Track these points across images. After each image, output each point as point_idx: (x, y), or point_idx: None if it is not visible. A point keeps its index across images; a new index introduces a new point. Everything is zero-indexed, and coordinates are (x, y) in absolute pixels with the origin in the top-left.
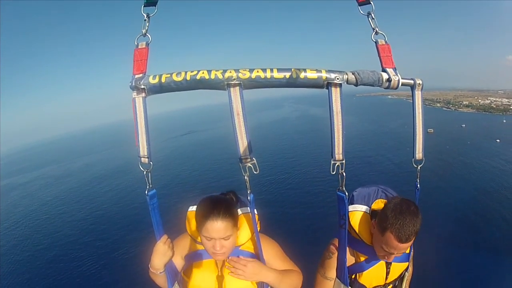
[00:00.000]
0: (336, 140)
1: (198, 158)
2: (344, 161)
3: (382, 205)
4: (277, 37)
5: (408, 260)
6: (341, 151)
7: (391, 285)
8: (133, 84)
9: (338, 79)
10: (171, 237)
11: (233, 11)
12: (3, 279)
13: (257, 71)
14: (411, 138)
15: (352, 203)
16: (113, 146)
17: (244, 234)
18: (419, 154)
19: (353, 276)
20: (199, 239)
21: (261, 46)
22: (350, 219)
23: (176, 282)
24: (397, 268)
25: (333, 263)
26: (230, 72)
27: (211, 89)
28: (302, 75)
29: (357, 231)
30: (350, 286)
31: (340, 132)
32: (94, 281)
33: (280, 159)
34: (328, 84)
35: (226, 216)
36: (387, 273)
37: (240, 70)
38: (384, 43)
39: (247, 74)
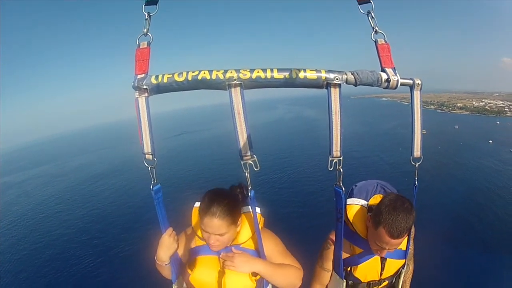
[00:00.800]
0: (334, 138)
1: (194, 158)
2: (341, 158)
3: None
4: (277, 37)
5: (404, 258)
6: (338, 149)
7: (386, 282)
8: (136, 84)
9: (337, 79)
10: (176, 231)
11: (233, 11)
12: (2, 277)
13: (258, 72)
14: (405, 139)
15: (351, 197)
16: (111, 145)
17: (246, 231)
18: (417, 153)
19: (348, 269)
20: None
21: (261, 46)
22: (347, 213)
23: (180, 274)
24: (393, 265)
25: (330, 254)
26: (231, 72)
27: (212, 89)
28: (302, 75)
29: (353, 224)
30: (345, 278)
31: (338, 130)
32: (92, 278)
33: (274, 159)
34: (328, 84)
35: (223, 215)
36: (382, 269)
37: (240, 71)
38: (383, 42)
39: (248, 75)
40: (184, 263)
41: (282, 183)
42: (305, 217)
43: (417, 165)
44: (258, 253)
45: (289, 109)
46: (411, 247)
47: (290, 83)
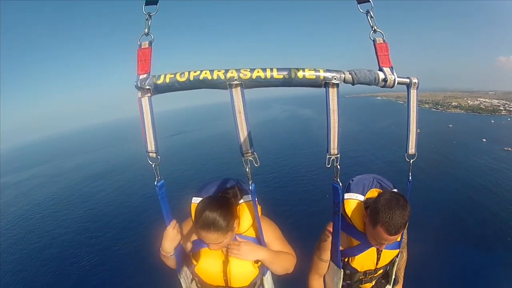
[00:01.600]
0: (332, 136)
1: (191, 158)
2: (339, 155)
3: (376, 194)
4: (276, 37)
5: (398, 248)
6: (336, 146)
7: (382, 270)
8: (139, 84)
9: (335, 78)
10: (179, 223)
11: (233, 11)
12: (2, 277)
13: (258, 71)
14: (399, 137)
15: (348, 191)
16: (110, 145)
17: (246, 221)
18: (412, 150)
19: (345, 259)
20: None
21: (260, 46)
22: (345, 206)
23: (185, 264)
24: (388, 255)
25: (328, 246)
26: (232, 72)
27: (213, 89)
28: (301, 74)
29: (351, 218)
30: (342, 268)
31: (336, 129)
32: (91, 276)
33: (270, 159)
34: (326, 84)
35: (218, 228)
36: (378, 259)
37: (241, 71)
38: (382, 41)
39: (248, 75)
40: (188, 254)
41: (277, 182)
42: (298, 215)
43: (411, 162)
44: (259, 240)
45: (284, 108)
46: (405, 236)
47: (289, 82)
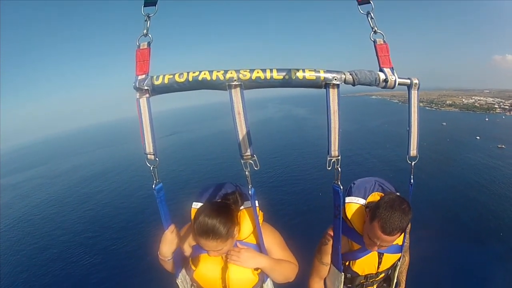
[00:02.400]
0: (332, 138)
1: (186, 158)
2: (339, 157)
3: (378, 198)
4: (275, 37)
5: (400, 252)
6: (337, 148)
7: (383, 274)
8: (137, 85)
9: (336, 79)
10: (178, 227)
11: (233, 11)
12: (2, 279)
13: (257, 72)
14: (392, 136)
15: (349, 195)
16: (108, 145)
17: (247, 228)
18: (413, 151)
19: (347, 263)
20: None
21: (260, 46)
22: (346, 210)
23: (183, 269)
24: (389, 259)
25: (328, 249)
26: (231, 73)
27: (212, 90)
28: (301, 75)
29: (352, 221)
30: (343, 272)
31: (337, 130)
32: (91, 275)
33: (266, 158)
34: (326, 84)
35: (218, 235)
36: (379, 263)
37: (240, 71)
38: (382, 42)
39: (248, 75)
40: (187, 259)
41: (272, 182)
42: (292, 214)
43: (412, 164)
44: (259, 247)
45: (279, 108)
46: (407, 240)
47: (289, 83)
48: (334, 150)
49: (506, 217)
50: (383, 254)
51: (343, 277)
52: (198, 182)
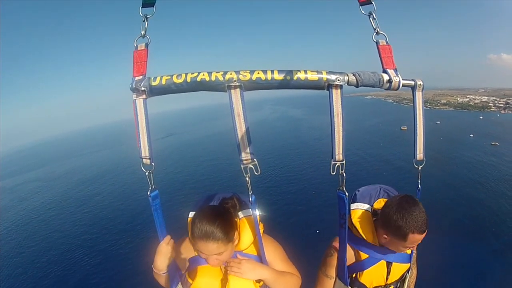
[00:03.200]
0: (336, 141)
1: (182, 160)
2: (344, 162)
3: (383, 204)
4: (276, 38)
5: (409, 261)
6: (341, 152)
7: (392, 287)
8: (134, 86)
9: (339, 80)
10: (174, 238)
11: (233, 11)
12: (2, 281)
13: (258, 73)
14: (387, 135)
15: (354, 202)
16: (104, 147)
17: (247, 238)
18: (420, 155)
19: (353, 275)
20: None
21: (260, 46)
22: (351, 218)
23: (180, 283)
24: (398, 269)
25: (334, 261)
26: (231, 74)
27: (211, 91)
28: (303, 76)
29: (358, 229)
30: (350, 285)
31: (341, 133)
32: (90, 276)
33: (262, 159)
34: (329, 86)
35: (218, 238)
36: (388, 273)
37: (240, 72)
38: (385, 43)
39: (248, 76)
40: (183, 272)
41: (269, 181)
42: (288, 214)
43: (419, 168)
44: (260, 258)
45: (274, 109)
46: (415, 251)
47: (291, 84)
48: (339, 154)
49: (500, 213)
50: (391, 263)
51: None
52: (194, 184)
